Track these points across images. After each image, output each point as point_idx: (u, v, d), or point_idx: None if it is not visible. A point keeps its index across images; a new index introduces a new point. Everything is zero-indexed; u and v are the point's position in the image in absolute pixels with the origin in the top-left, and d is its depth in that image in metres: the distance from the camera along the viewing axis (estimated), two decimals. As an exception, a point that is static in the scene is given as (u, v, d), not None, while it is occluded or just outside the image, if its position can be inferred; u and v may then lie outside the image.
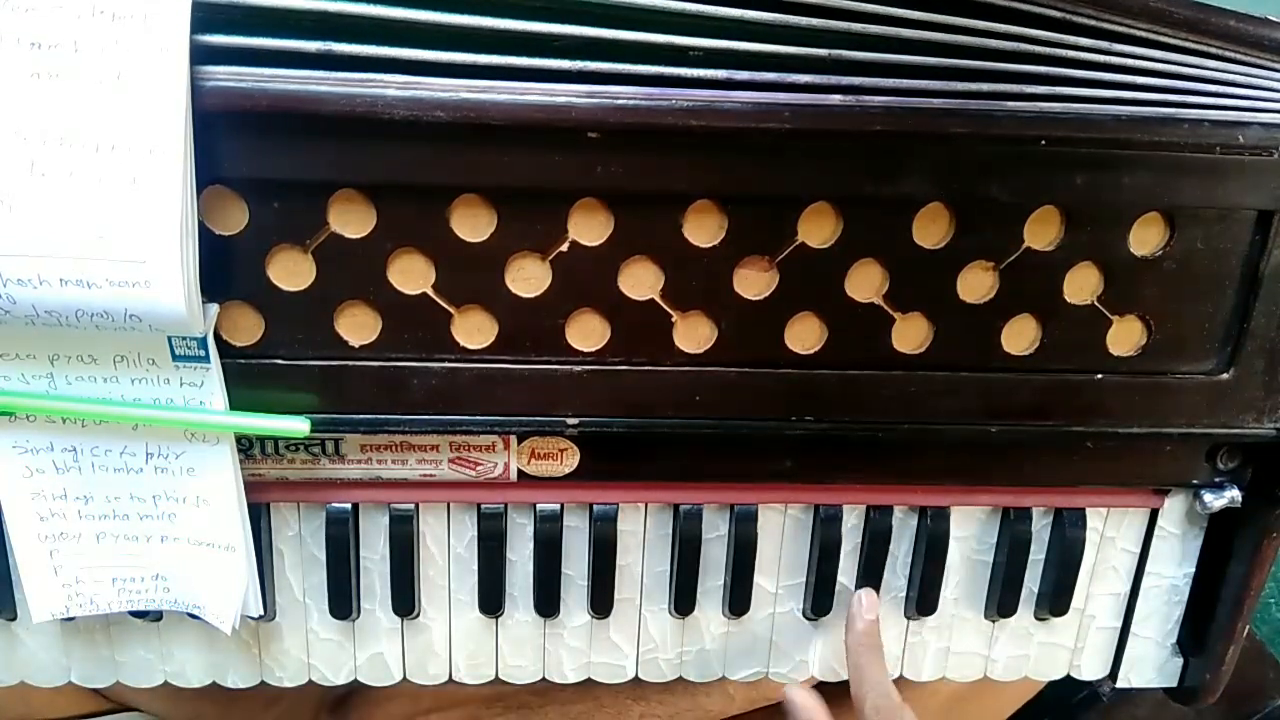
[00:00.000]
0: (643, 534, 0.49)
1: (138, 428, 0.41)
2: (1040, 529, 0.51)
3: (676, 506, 0.49)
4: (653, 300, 0.42)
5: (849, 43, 0.38)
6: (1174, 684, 0.55)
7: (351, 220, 0.40)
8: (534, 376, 0.43)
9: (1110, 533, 0.52)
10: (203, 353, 0.40)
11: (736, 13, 0.38)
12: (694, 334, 0.43)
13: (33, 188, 0.34)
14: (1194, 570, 0.52)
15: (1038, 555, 0.51)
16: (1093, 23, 0.39)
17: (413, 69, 0.37)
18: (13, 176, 0.34)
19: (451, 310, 0.42)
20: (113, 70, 0.34)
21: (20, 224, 0.34)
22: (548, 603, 0.49)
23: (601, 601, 0.49)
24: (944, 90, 0.39)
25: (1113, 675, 0.55)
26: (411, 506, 0.47)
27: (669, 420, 0.44)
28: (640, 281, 0.42)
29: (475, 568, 0.49)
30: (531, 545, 0.49)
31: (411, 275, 0.41)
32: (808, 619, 0.52)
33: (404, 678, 0.51)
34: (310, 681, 0.51)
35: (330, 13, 0.36)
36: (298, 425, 0.41)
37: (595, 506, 0.48)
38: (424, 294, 0.41)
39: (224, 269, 0.39)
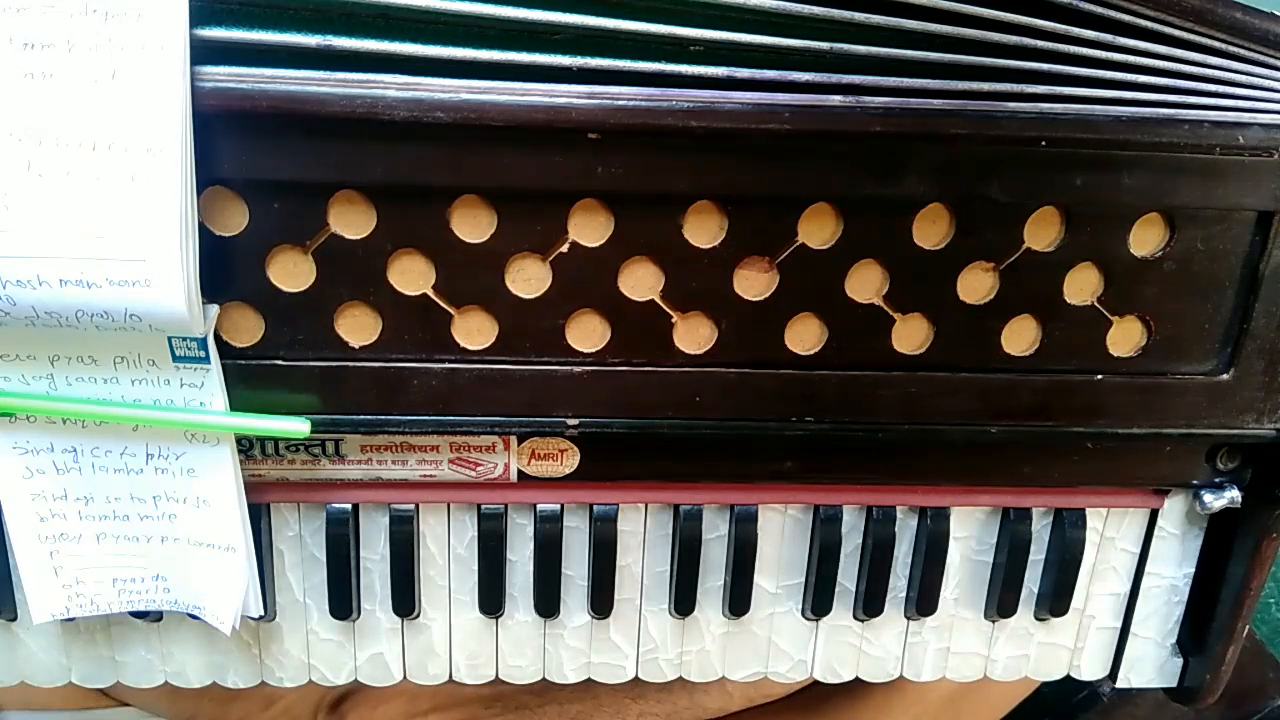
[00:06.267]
0: (643, 534, 0.49)
1: (138, 428, 0.41)
2: (1040, 529, 0.51)
3: (676, 507, 0.49)
4: (653, 301, 0.42)
5: (850, 36, 0.38)
6: (1174, 684, 0.55)
7: (351, 221, 0.40)
8: (534, 377, 0.43)
9: (1110, 533, 0.52)
10: (203, 353, 0.40)
11: (739, 0, 0.37)
12: (694, 335, 0.43)
13: (30, 188, 0.34)
14: (1194, 570, 0.52)
15: (1038, 555, 0.51)
16: (1098, 9, 0.39)
17: (413, 66, 0.37)
18: (10, 178, 0.34)
19: (451, 311, 0.42)
20: (107, 69, 0.34)
21: (19, 225, 0.34)
22: (548, 603, 0.49)
23: (601, 602, 0.49)
24: (944, 90, 0.39)
25: (1112, 675, 0.55)
26: (411, 507, 0.47)
27: (669, 421, 0.44)
28: (640, 282, 0.42)
29: (475, 568, 0.49)
30: (531, 545, 0.49)
31: (411, 276, 0.41)
32: (807, 619, 0.52)
33: (404, 678, 0.51)
34: (310, 682, 0.51)
35: (329, 2, 0.36)
36: (298, 426, 0.41)
37: (595, 507, 0.48)
38: (424, 295, 0.41)
39: (224, 270, 0.39)
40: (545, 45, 0.37)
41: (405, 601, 0.49)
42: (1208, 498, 0.49)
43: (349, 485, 0.46)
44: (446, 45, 0.37)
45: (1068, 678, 0.55)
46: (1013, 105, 0.39)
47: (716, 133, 0.38)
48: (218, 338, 0.40)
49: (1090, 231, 0.42)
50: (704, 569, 0.50)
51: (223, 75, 0.35)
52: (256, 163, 0.37)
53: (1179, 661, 0.54)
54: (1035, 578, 0.52)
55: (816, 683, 0.54)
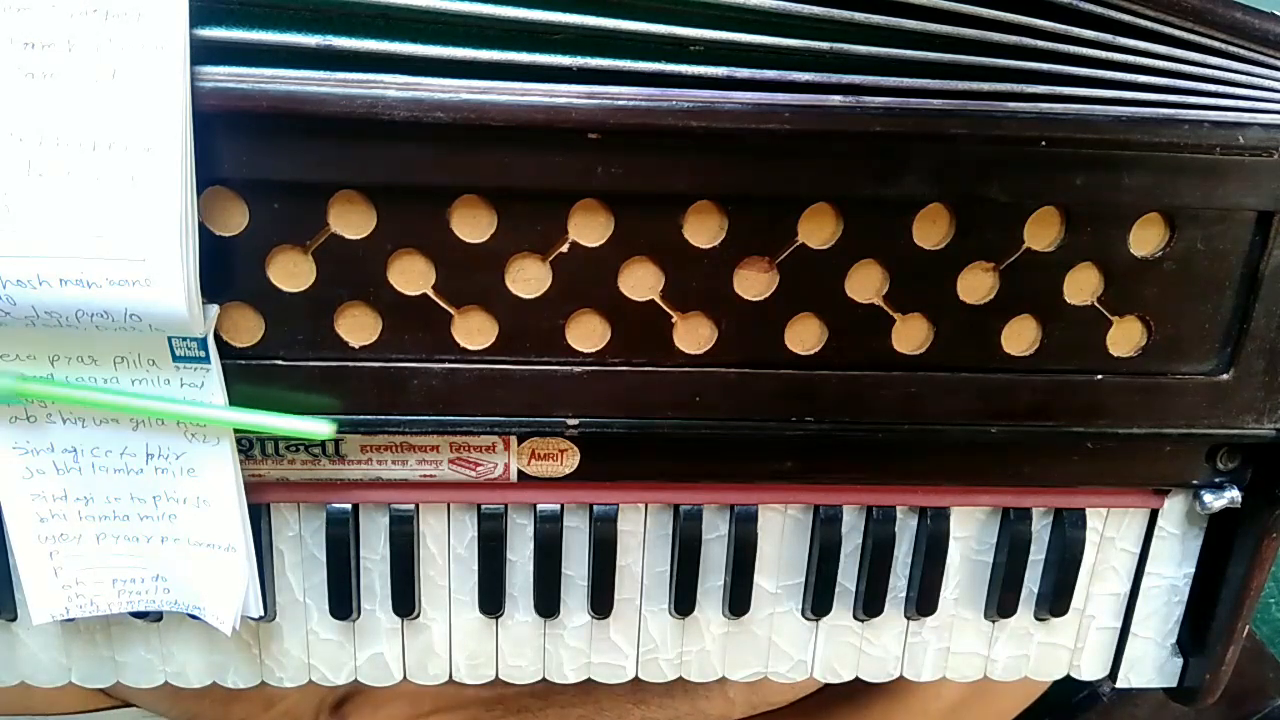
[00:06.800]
0: (643, 534, 0.49)
1: (138, 428, 0.41)
2: (1040, 529, 0.51)
3: (676, 507, 0.49)
4: (653, 301, 0.42)
5: (850, 36, 0.38)
6: (1174, 684, 0.55)
7: (351, 221, 0.40)
8: (534, 377, 0.43)
9: (1110, 533, 0.52)
10: (203, 353, 0.40)
11: (739, 0, 0.37)
12: (694, 334, 0.43)
13: (31, 188, 0.34)
14: (1194, 570, 0.52)
15: (1038, 555, 0.51)
16: (1098, 9, 0.39)
17: (412, 66, 0.37)
18: (10, 177, 0.34)
19: (452, 311, 0.42)
20: (108, 68, 0.34)
21: (19, 225, 0.34)
22: (548, 603, 0.49)
23: (601, 602, 0.49)
24: (944, 90, 0.39)
25: (1113, 675, 0.55)
26: (412, 507, 0.47)
27: (669, 421, 0.44)
28: (640, 282, 0.42)
29: (475, 568, 0.49)
30: (532, 545, 0.49)
31: (411, 276, 0.41)
32: (807, 619, 0.52)
33: (404, 678, 0.51)
34: (310, 682, 0.51)
35: (329, 2, 0.36)
36: (321, 428, 0.40)
37: (595, 507, 0.48)
38: (424, 295, 0.41)
39: (224, 270, 0.39)
40: (545, 45, 0.37)
41: (405, 601, 0.49)
42: (1208, 498, 0.49)
43: (349, 485, 0.46)
44: (446, 45, 0.37)
45: (1068, 678, 0.55)
46: (1013, 105, 0.39)
47: (716, 133, 0.38)
48: (218, 338, 0.40)
49: (1090, 231, 0.42)
50: (704, 569, 0.50)
51: (223, 75, 0.35)
52: (256, 163, 0.37)
53: (1179, 661, 0.54)
54: (1035, 578, 0.52)
55: (818, 691, 0.54)
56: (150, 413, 0.40)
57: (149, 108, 0.34)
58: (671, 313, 0.42)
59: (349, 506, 0.47)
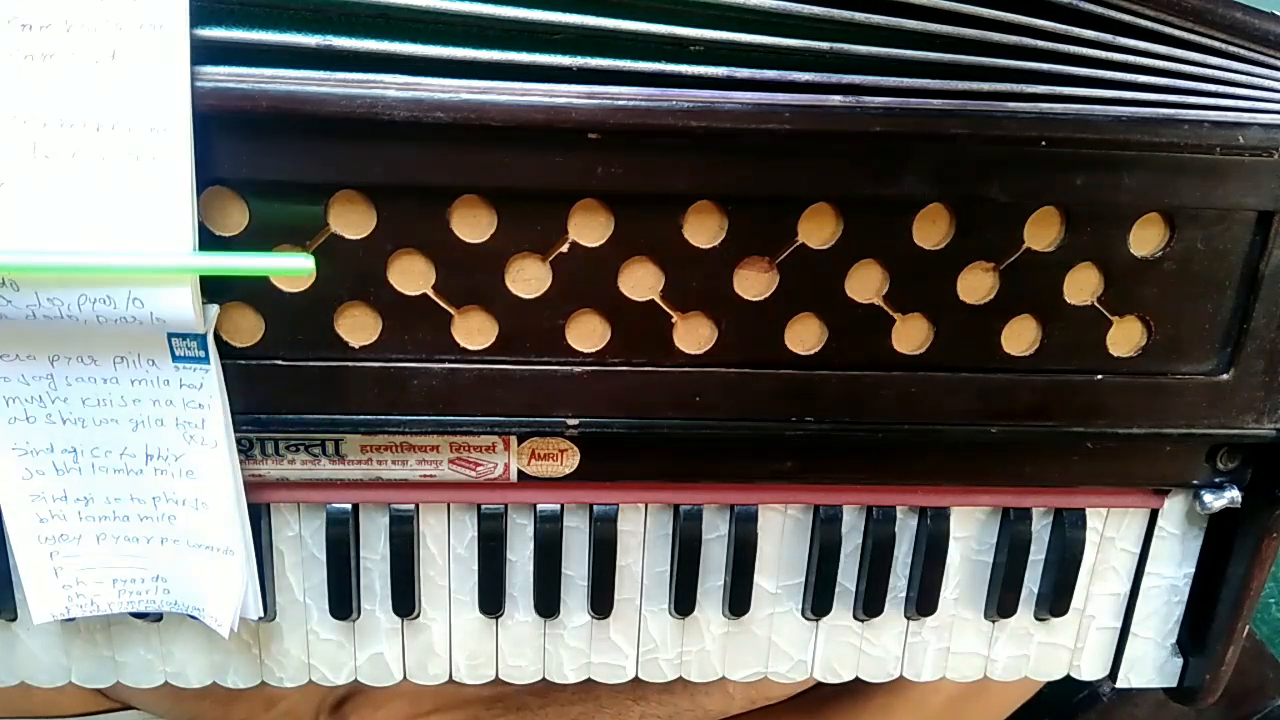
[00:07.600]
0: (643, 534, 0.49)
1: (137, 429, 0.41)
2: (1040, 529, 0.51)
3: (676, 507, 0.49)
4: (653, 301, 0.42)
5: (850, 36, 0.38)
6: (1174, 684, 0.55)
7: (351, 221, 0.40)
8: (534, 377, 0.43)
9: (1110, 533, 0.52)
10: (202, 353, 0.40)
11: (739, 0, 0.37)
12: (694, 334, 0.43)
13: (32, 179, 0.34)
14: (1194, 570, 0.52)
15: (1038, 555, 0.51)
16: (1098, 9, 0.39)
17: (412, 66, 0.37)
18: (12, 169, 0.34)
19: (451, 311, 0.42)
20: (107, 49, 0.34)
21: (20, 217, 0.34)
22: (548, 603, 0.49)
23: (601, 602, 0.49)
24: (944, 90, 0.39)
25: (1113, 675, 0.55)
26: (412, 507, 0.47)
27: (669, 421, 0.44)
28: (640, 282, 0.42)
29: (475, 568, 0.49)
30: (531, 545, 0.49)
31: (411, 276, 0.41)
32: (807, 619, 0.52)
33: (404, 678, 0.51)
34: (310, 682, 0.51)
35: (329, 2, 0.36)
36: (300, 262, 0.38)
37: (595, 507, 0.48)
38: (424, 295, 0.41)
39: (224, 270, 0.39)
40: (545, 45, 0.37)
41: (405, 601, 0.49)
42: (1208, 498, 0.49)
43: (349, 485, 0.46)
44: (446, 45, 0.37)
45: (1068, 678, 0.55)
46: (1013, 105, 0.39)
47: (716, 133, 0.38)
48: (218, 338, 0.40)
49: (1090, 231, 0.42)
50: (704, 569, 0.50)
51: (223, 75, 0.35)
52: (256, 163, 0.37)
53: (1179, 661, 0.54)
54: (1035, 578, 0.52)
55: (818, 685, 0.54)
56: (108, 269, 0.36)
57: (150, 88, 0.34)
58: (671, 313, 0.42)
59: (349, 506, 0.47)
